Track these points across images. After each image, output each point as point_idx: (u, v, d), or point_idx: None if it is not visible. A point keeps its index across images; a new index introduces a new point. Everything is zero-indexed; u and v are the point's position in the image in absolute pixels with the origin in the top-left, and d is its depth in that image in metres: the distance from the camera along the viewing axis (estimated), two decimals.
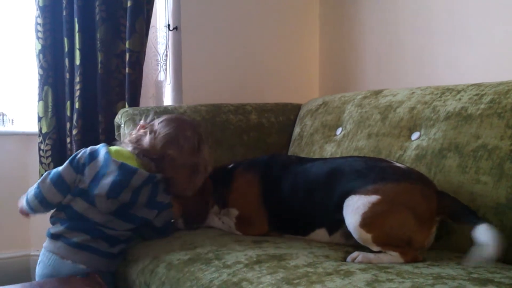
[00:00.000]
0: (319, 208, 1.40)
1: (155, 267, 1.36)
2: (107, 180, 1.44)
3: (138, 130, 1.60)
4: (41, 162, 2.42)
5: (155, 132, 1.54)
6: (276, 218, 1.49)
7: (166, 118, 1.60)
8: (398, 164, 1.39)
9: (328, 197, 1.37)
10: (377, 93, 1.85)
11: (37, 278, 1.50)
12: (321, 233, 1.42)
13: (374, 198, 1.25)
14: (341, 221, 1.31)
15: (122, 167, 1.45)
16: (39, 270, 1.50)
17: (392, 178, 1.31)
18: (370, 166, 1.37)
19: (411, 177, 1.33)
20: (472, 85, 1.55)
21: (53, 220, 1.51)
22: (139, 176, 1.45)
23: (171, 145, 1.52)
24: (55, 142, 2.41)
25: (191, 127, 1.59)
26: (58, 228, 1.47)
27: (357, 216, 1.25)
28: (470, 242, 1.34)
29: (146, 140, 1.53)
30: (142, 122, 1.65)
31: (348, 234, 1.31)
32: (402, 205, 1.25)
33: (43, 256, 1.49)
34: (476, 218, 1.23)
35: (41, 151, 2.41)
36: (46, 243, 1.50)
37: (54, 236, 1.47)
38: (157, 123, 1.57)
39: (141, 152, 1.52)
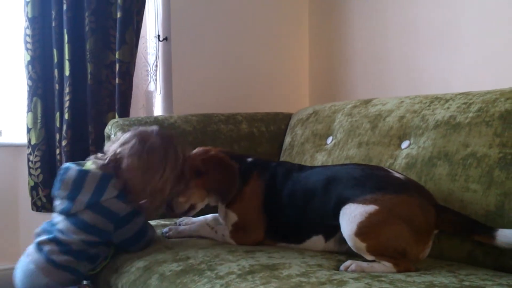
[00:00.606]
0: (316, 215, 1.39)
1: (147, 278, 1.35)
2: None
3: None
4: (30, 174, 2.40)
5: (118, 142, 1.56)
6: (273, 226, 1.49)
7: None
8: (397, 174, 1.38)
9: (325, 204, 1.37)
10: (367, 102, 1.87)
11: None
12: (316, 241, 1.41)
13: (371, 208, 1.25)
14: (337, 227, 1.31)
15: (62, 166, 1.55)
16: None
17: (390, 188, 1.30)
18: (368, 174, 1.36)
19: (410, 189, 1.32)
20: (460, 94, 1.57)
21: None
22: (71, 172, 1.50)
23: (123, 145, 1.51)
24: (44, 154, 2.39)
25: (156, 135, 1.54)
26: (39, 228, 1.56)
27: (353, 225, 1.25)
28: (460, 250, 1.36)
29: (107, 146, 1.59)
30: None
31: (342, 240, 1.31)
32: (399, 217, 1.24)
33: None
34: (488, 227, 1.24)
35: (30, 163, 2.40)
36: None
37: (34, 236, 1.55)
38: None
39: (96, 156, 1.55)
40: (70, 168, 1.52)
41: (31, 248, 1.51)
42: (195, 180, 1.54)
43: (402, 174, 1.41)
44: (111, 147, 1.55)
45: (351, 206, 1.28)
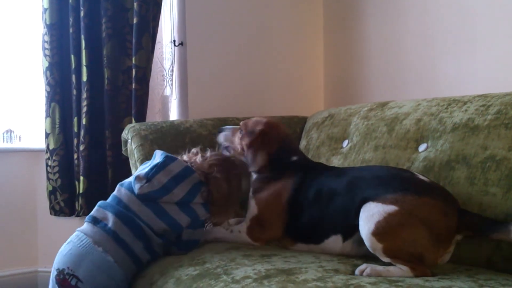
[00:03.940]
0: (337, 214, 1.39)
1: (163, 283, 1.35)
2: (149, 164, 1.55)
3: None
4: (48, 178, 2.44)
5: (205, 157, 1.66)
6: (294, 224, 1.49)
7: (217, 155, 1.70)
8: (422, 177, 1.36)
9: (347, 202, 1.37)
10: (383, 105, 1.86)
11: (58, 257, 1.43)
12: (334, 241, 1.40)
13: (391, 208, 1.24)
14: (356, 227, 1.30)
15: (165, 154, 1.56)
16: (64, 250, 1.43)
17: (413, 190, 1.28)
18: (392, 175, 1.36)
19: (433, 192, 1.30)
20: (478, 96, 1.55)
21: (97, 206, 1.52)
22: (178, 163, 1.55)
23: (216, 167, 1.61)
24: (62, 158, 2.42)
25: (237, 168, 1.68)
26: (100, 212, 1.48)
27: (371, 224, 1.24)
28: (479, 255, 1.34)
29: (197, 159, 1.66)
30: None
31: (360, 241, 1.31)
32: (418, 220, 1.23)
33: (75, 237, 1.44)
34: (505, 223, 1.22)
35: (48, 167, 2.43)
36: (83, 226, 1.47)
37: (94, 220, 1.46)
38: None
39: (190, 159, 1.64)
40: (176, 159, 1.56)
41: (97, 235, 1.42)
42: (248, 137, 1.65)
43: (427, 177, 1.39)
44: (197, 159, 1.63)
45: (371, 204, 1.27)
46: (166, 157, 1.54)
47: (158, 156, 1.58)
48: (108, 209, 1.48)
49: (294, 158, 1.61)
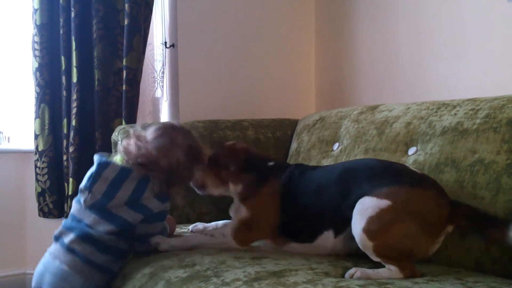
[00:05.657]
0: (329, 207, 1.40)
1: (153, 285, 1.34)
2: (87, 174, 1.52)
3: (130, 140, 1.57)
4: (37, 180, 2.42)
5: (146, 142, 1.54)
6: (287, 224, 1.49)
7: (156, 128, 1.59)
8: (414, 169, 1.40)
9: (340, 195, 1.38)
10: (373, 108, 1.87)
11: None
12: (326, 237, 1.41)
13: (384, 203, 1.25)
14: (347, 221, 1.31)
15: (98, 161, 1.52)
16: (36, 269, 1.54)
17: (406, 181, 1.31)
18: (386, 166, 1.39)
19: (426, 183, 1.33)
20: (467, 100, 1.56)
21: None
22: (112, 168, 1.49)
23: (152, 146, 1.52)
24: (52, 160, 2.41)
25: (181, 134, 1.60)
26: (59, 229, 1.54)
27: (363, 219, 1.25)
28: (468, 258, 1.35)
29: (136, 149, 1.53)
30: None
31: (351, 237, 1.32)
32: (411, 214, 1.24)
33: (43, 257, 1.54)
34: (503, 220, 1.23)
35: (37, 169, 2.41)
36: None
37: (54, 238, 1.53)
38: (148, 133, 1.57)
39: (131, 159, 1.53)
40: (110, 164, 1.50)
41: (56, 250, 1.48)
42: (214, 169, 1.60)
43: (418, 170, 1.42)
44: (137, 146, 1.52)
45: (366, 199, 1.29)
46: (99, 165, 1.50)
47: (94, 163, 1.53)
48: (65, 225, 1.53)
49: (270, 163, 1.60)
